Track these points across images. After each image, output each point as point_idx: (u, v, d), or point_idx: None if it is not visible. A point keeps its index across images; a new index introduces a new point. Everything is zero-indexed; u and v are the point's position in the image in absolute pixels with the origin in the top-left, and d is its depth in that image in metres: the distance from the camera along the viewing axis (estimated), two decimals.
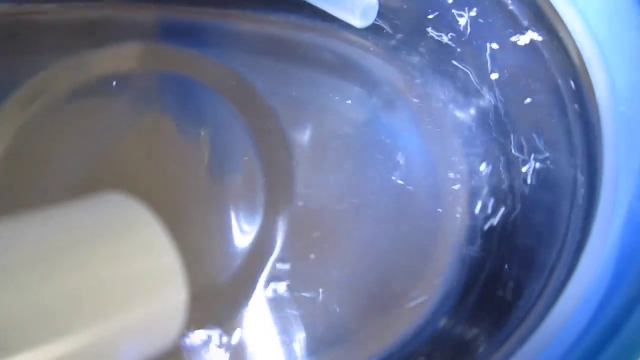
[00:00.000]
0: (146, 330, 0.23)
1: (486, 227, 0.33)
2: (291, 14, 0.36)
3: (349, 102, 0.35)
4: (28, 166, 0.33)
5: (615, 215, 0.25)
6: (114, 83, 0.34)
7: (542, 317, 0.25)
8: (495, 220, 0.33)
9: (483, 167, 0.34)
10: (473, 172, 0.34)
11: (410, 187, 0.34)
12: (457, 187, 0.34)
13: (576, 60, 0.29)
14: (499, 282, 0.31)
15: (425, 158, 0.35)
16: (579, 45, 0.29)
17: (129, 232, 0.24)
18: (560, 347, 0.24)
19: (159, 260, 0.24)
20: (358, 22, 0.32)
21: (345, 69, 0.36)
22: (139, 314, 0.23)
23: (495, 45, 0.32)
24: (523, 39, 0.31)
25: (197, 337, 0.30)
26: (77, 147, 0.33)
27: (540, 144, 0.31)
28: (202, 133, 0.34)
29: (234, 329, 0.31)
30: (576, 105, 0.29)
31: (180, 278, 0.24)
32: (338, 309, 0.32)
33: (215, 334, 0.31)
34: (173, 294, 0.24)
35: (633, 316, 0.23)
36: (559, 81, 0.30)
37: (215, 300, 0.31)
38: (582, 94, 0.28)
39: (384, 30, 0.35)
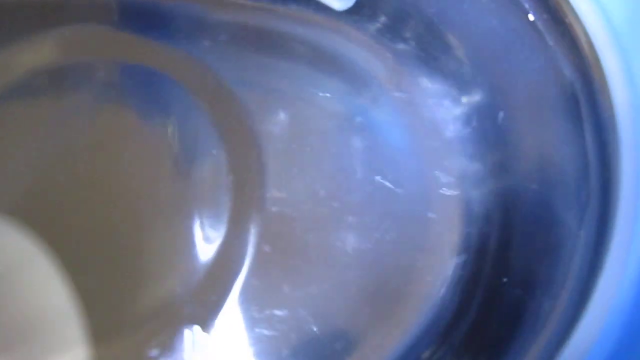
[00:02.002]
0: None
1: (482, 235, 0.31)
2: None
3: (328, 95, 0.33)
4: None
5: (638, 229, 0.23)
6: (66, 75, 0.32)
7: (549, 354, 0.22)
8: (492, 228, 0.31)
9: (478, 168, 0.32)
10: (467, 173, 0.32)
11: (398, 190, 0.32)
12: (449, 190, 0.32)
13: (586, 48, 0.26)
14: (497, 303, 0.29)
15: (414, 158, 0.32)
16: (589, 30, 0.26)
17: (18, 271, 0.21)
18: None
19: (50, 303, 0.21)
20: (336, 3, 0.31)
21: (323, 59, 0.33)
22: None
23: (491, 31, 0.30)
24: (524, 24, 0.28)
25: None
26: (24, 146, 0.31)
27: (543, 143, 0.29)
28: (165, 130, 0.32)
29: (196, 351, 0.29)
30: (586, 100, 0.27)
31: (76, 325, 0.21)
32: (315, 329, 0.30)
33: (175, 355, 0.29)
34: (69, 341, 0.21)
35: None
36: (565, 72, 0.27)
37: (174, 319, 0.29)
38: (593, 87, 0.26)
39: (365, 13, 0.33)
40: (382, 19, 0.33)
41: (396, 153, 0.32)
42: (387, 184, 0.32)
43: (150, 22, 0.33)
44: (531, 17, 0.28)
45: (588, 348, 0.23)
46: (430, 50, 0.33)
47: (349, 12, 0.32)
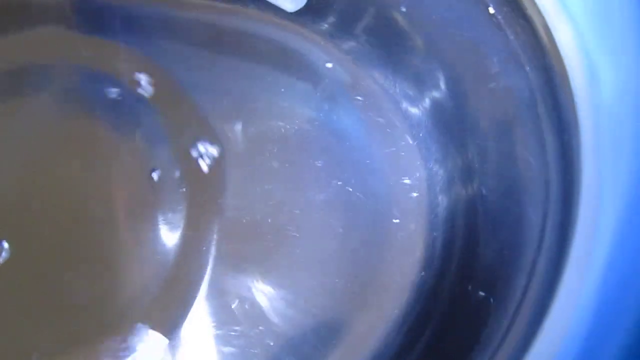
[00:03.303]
0: None
1: (446, 238, 0.30)
2: None
3: (286, 97, 0.32)
4: None
5: (599, 234, 0.22)
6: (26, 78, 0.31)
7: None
8: (456, 231, 0.30)
9: (441, 171, 0.31)
10: (430, 177, 0.31)
11: (360, 195, 0.31)
12: (413, 194, 0.31)
13: (546, 42, 0.25)
14: (462, 305, 0.28)
15: (376, 162, 0.31)
16: (550, 24, 0.25)
17: None
18: None
19: None
20: (289, 5, 0.30)
21: (280, 61, 0.32)
22: None
23: (450, 25, 0.29)
24: (484, 17, 0.27)
25: None
26: None
27: (505, 144, 0.28)
28: (122, 133, 0.31)
29: None
30: (548, 98, 0.25)
31: None
32: (271, 343, 0.29)
33: None
34: None
35: None
36: (527, 68, 0.26)
37: (132, 330, 0.29)
38: (554, 84, 0.25)
39: (318, 13, 0.32)
40: (335, 16, 0.32)
41: (358, 157, 0.31)
42: (349, 188, 0.31)
43: (109, 24, 0.32)
44: (492, 10, 0.27)
45: (554, 351, 0.22)
46: (387, 48, 0.32)
47: (302, 12, 0.31)
